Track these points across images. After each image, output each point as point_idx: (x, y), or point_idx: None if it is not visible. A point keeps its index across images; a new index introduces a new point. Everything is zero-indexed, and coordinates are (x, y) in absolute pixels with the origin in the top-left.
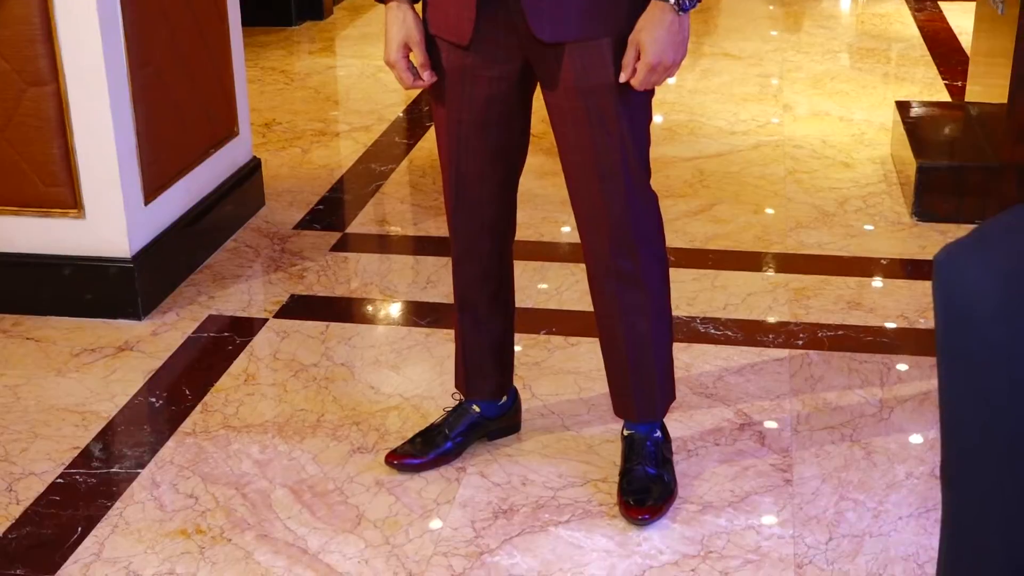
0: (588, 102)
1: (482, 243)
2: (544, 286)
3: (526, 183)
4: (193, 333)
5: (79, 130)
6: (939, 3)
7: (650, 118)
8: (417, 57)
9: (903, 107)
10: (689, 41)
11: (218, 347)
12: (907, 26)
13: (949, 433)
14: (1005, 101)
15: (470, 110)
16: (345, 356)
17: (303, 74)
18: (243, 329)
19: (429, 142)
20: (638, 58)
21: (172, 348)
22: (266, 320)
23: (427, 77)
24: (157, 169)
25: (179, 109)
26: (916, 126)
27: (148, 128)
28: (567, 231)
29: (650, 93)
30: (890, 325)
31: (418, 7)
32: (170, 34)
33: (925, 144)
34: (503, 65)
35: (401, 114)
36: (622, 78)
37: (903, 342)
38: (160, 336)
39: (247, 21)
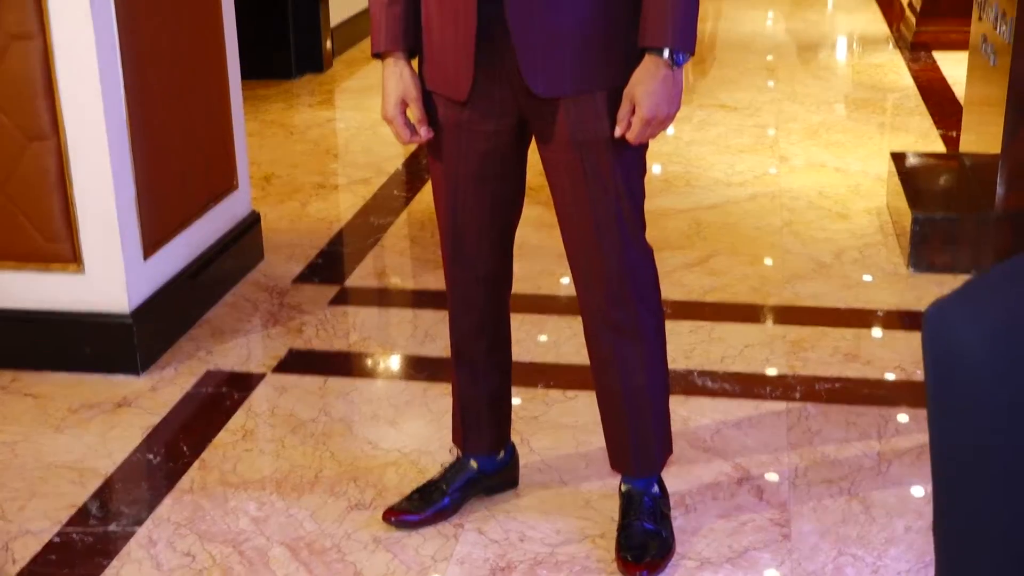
0: (583, 156)
1: (479, 296)
2: (543, 338)
3: (524, 235)
4: (191, 389)
5: (79, 185)
6: (933, 53)
7: (645, 171)
8: (414, 113)
9: (898, 158)
10: (684, 92)
11: (216, 403)
12: (902, 76)
13: (941, 487)
14: (998, 151)
15: (466, 164)
16: (343, 411)
17: (303, 127)
18: (241, 384)
19: (428, 195)
20: (633, 112)
21: (170, 404)
22: (264, 375)
23: (424, 133)
24: (156, 223)
25: (179, 163)
26: (911, 177)
27: (148, 183)
28: (565, 283)
29: (644, 147)
30: (887, 377)
31: (415, 63)
32: (170, 88)
33: (920, 195)
34: (499, 120)
35: (400, 167)
36: (617, 132)
37: (900, 394)
38: (158, 392)
39: (247, 74)
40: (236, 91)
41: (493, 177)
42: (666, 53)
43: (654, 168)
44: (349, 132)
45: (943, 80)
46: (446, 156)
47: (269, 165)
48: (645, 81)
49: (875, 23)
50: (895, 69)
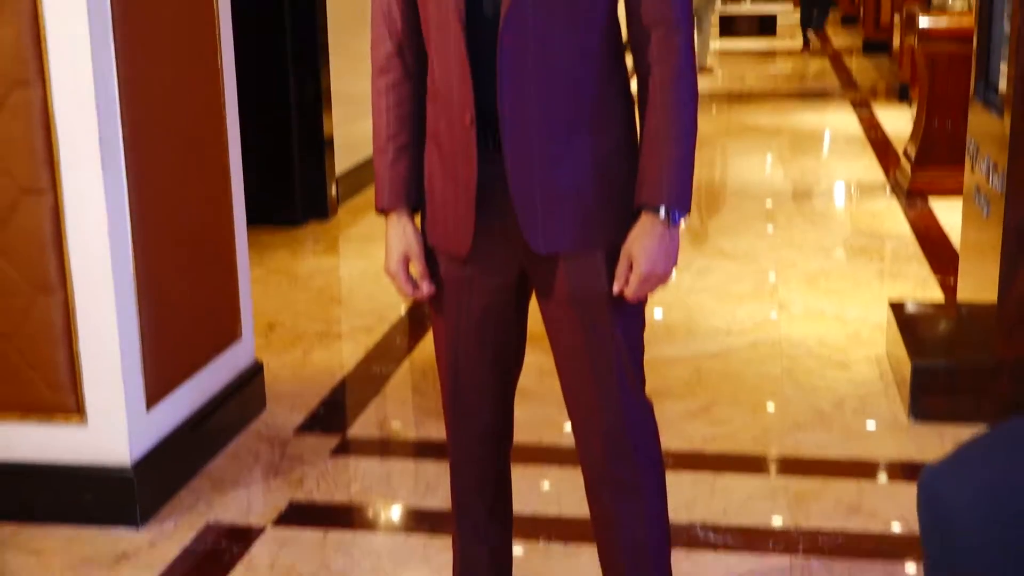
0: (582, 312)
1: (480, 451)
2: (544, 490)
3: (525, 382)
4: (190, 543)
5: (85, 337)
6: (929, 200)
7: (644, 326)
8: (416, 268)
9: (897, 307)
10: (685, 239)
11: (216, 558)
12: (899, 223)
13: None
14: (995, 300)
15: (468, 320)
16: (343, 566)
17: (306, 274)
18: (241, 538)
19: (431, 343)
20: (630, 269)
21: (169, 559)
22: (264, 528)
23: (426, 288)
24: (160, 375)
25: (184, 314)
26: (910, 326)
27: (153, 334)
28: (567, 432)
29: (643, 302)
30: (890, 530)
31: (417, 219)
32: (177, 238)
33: (919, 344)
34: (500, 276)
35: (403, 314)
36: (615, 289)
37: (905, 548)
38: (157, 546)
39: (253, 220)
40: (242, 241)
41: (494, 332)
42: (662, 211)
43: (655, 314)
44: (352, 279)
45: (939, 228)
46: (447, 311)
47: (273, 313)
48: (642, 239)
49: (871, 169)
50: (892, 216)
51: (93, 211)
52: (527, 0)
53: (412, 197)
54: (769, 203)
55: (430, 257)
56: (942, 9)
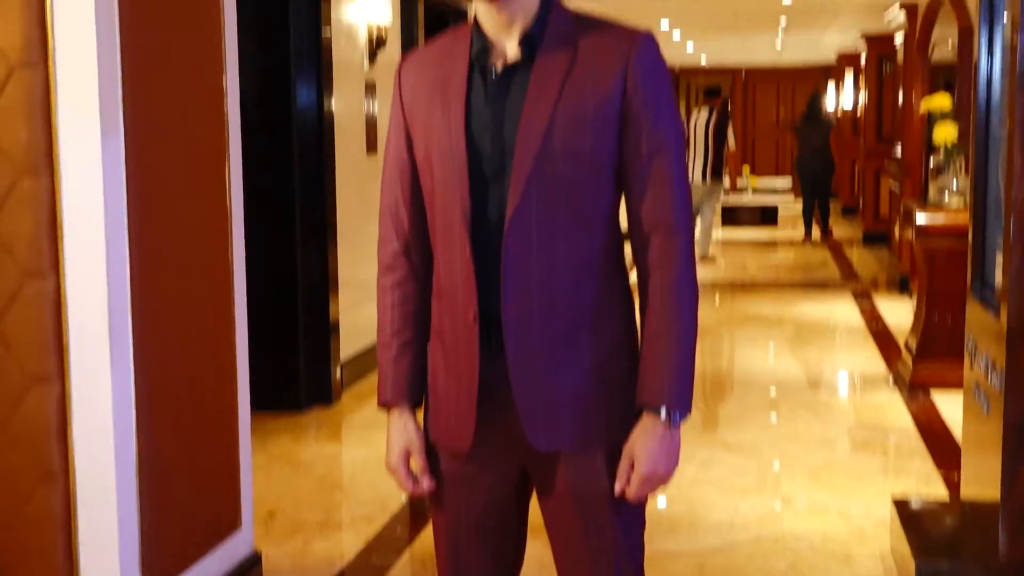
0: (583, 510)
1: None
2: None
3: (526, 572)
4: None
5: (84, 528)
6: (931, 392)
7: (644, 525)
8: (417, 464)
9: (901, 504)
10: (689, 430)
11: None
12: (901, 416)
13: None
14: (998, 498)
15: (468, 516)
16: None
17: (308, 461)
18: None
19: (431, 534)
20: (632, 469)
21: None
22: None
23: (426, 484)
24: (157, 567)
25: (184, 504)
26: (914, 524)
27: (152, 526)
28: None
29: (644, 501)
30: None
31: (420, 414)
32: (181, 428)
33: (924, 543)
34: (500, 472)
35: (404, 502)
36: (617, 489)
37: None
38: None
39: (256, 405)
40: (245, 428)
41: (494, 530)
42: (663, 412)
43: (659, 503)
44: (355, 466)
45: (942, 422)
46: (447, 508)
47: (274, 500)
48: (643, 439)
49: (873, 361)
50: (894, 408)
51: (99, 401)
52: (531, 206)
53: (414, 393)
54: (773, 393)
55: (431, 452)
56: (938, 206)
